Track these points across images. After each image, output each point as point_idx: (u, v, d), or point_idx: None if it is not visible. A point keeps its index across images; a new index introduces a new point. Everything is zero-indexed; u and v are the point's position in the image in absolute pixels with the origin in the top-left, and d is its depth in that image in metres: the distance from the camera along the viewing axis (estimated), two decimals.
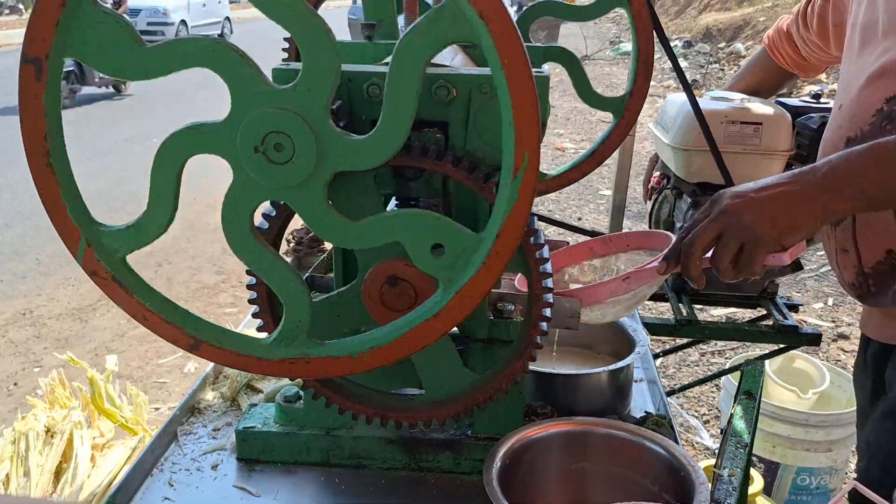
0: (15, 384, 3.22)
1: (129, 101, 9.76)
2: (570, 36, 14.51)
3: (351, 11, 11.86)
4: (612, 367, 1.15)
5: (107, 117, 8.57)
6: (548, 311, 0.96)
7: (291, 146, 0.77)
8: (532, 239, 0.93)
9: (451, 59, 1.12)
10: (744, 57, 11.21)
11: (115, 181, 6.09)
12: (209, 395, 1.29)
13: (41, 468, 1.33)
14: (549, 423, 1.00)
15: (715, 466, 1.14)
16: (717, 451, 2.29)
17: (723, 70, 11.23)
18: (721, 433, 1.32)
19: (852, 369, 1.48)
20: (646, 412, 1.18)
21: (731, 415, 1.29)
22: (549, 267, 0.95)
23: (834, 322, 3.76)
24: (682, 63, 11.30)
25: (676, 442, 1.15)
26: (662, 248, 1.07)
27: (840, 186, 0.97)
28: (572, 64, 1.42)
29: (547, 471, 0.98)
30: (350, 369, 0.85)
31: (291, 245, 1.88)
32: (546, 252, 0.96)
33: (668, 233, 1.11)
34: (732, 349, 3.48)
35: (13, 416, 3.02)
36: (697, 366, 3.39)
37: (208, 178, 5.84)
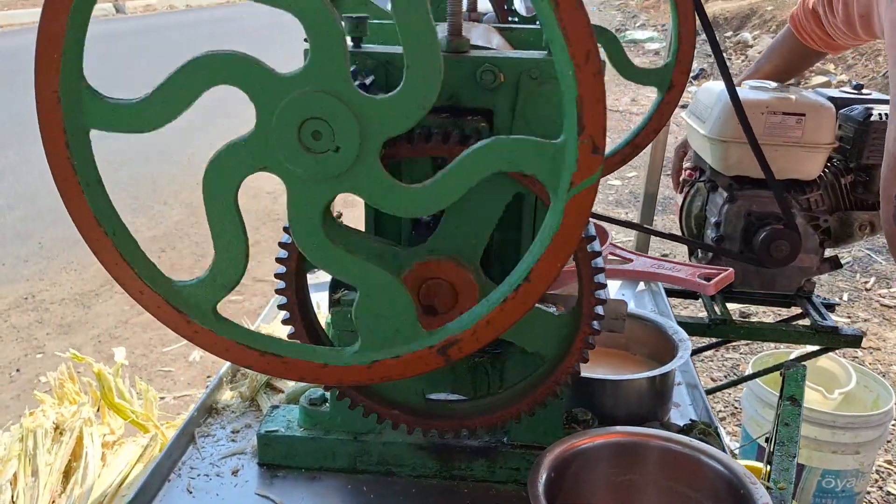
0: (17, 370, 3.16)
1: (133, 85, 9.67)
2: None
3: None
4: (657, 371, 1.08)
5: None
6: (600, 310, 0.89)
7: (329, 127, 0.70)
8: (588, 247, 0.86)
9: (494, 42, 1.05)
10: (751, 46, 11.10)
11: (117, 164, 6.00)
12: (227, 395, 1.23)
13: (50, 467, 1.27)
14: (599, 432, 0.94)
15: (766, 479, 1.08)
16: (738, 450, 2.23)
17: (730, 59, 11.11)
18: (766, 441, 1.26)
19: None
20: (691, 420, 1.11)
21: (776, 425, 1.24)
22: (600, 262, 0.89)
23: (850, 318, 3.70)
24: None
25: (723, 450, 1.09)
26: None
27: None
28: (611, 41, 1.34)
29: (594, 483, 0.92)
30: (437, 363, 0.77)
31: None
32: (597, 245, 0.89)
33: None
34: (746, 345, 3.42)
35: (16, 403, 2.96)
36: (712, 360, 3.33)
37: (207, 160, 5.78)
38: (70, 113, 0.70)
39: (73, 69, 0.69)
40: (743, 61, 10.71)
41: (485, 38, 1.06)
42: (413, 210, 0.75)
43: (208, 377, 3.19)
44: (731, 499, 0.88)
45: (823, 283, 4.10)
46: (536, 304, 0.83)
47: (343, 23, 0.89)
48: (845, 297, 3.94)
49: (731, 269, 0.99)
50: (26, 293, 3.82)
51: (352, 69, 0.84)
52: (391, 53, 0.88)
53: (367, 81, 0.86)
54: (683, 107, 2.01)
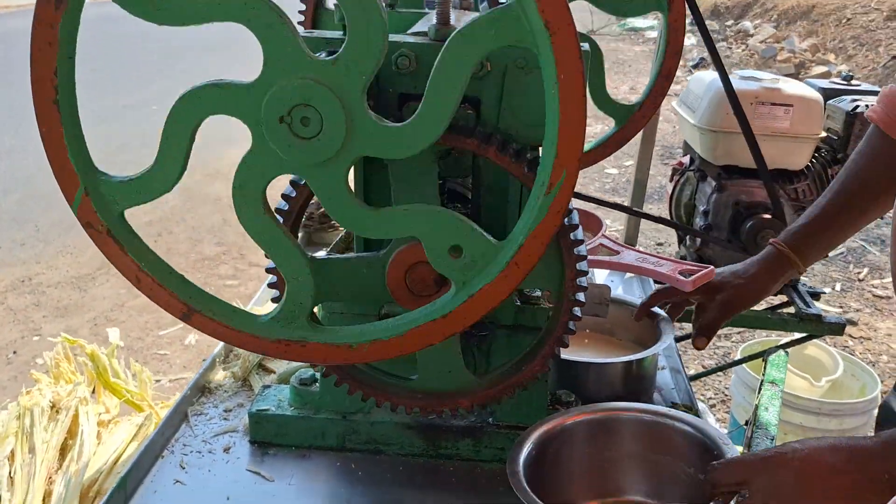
0: (14, 352, 3.18)
1: (128, 68, 9.63)
2: (577, 10, 14.28)
3: None
4: (640, 355, 1.11)
5: (105, 84, 8.45)
6: (581, 297, 0.91)
7: (319, 122, 0.72)
8: (571, 234, 0.89)
9: None
10: (751, 35, 11.08)
11: (115, 149, 6.00)
12: (219, 375, 1.26)
13: (46, 444, 1.29)
14: (574, 411, 0.96)
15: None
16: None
17: (730, 48, 11.10)
18: (746, 424, 1.29)
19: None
20: (672, 403, 1.14)
21: (757, 405, 1.27)
22: (583, 249, 0.91)
23: (842, 308, 3.74)
24: (691, 40, 11.17)
25: None
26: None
27: None
28: (594, 61, 1.35)
29: (574, 461, 0.95)
30: (346, 358, 0.82)
31: (303, 220, 1.83)
32: (580, 234, 0.91)
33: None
34: (738, 333, 3.46)
35: (13, 384, 2.99)
36: (702, 350, 3.36)
37: (209, 147, 5.77)
38: (101, 205, 0.75)
39: (86, 167, 0.75)
40: (743, 51, 10.71)
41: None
42: (355, 229, 0.80)
43: (204, 360, 3.22)
44: (707, 459, 0.89)
45: (817, 273, 4.13)
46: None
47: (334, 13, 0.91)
48: (838, 286, 3.98)
49: (711, 267, 1.02)
50: (23, 276, 3.84)
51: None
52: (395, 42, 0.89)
53: None
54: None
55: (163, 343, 3.31)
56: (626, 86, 8.94)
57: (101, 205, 0.76)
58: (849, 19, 10.23)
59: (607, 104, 1.31)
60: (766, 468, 0.82)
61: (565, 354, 1.11)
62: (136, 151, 5.84)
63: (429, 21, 1.03)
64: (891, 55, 8.92)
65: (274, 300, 0.99)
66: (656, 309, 1.20)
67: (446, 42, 0.69)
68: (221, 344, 1.30)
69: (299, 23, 1.41)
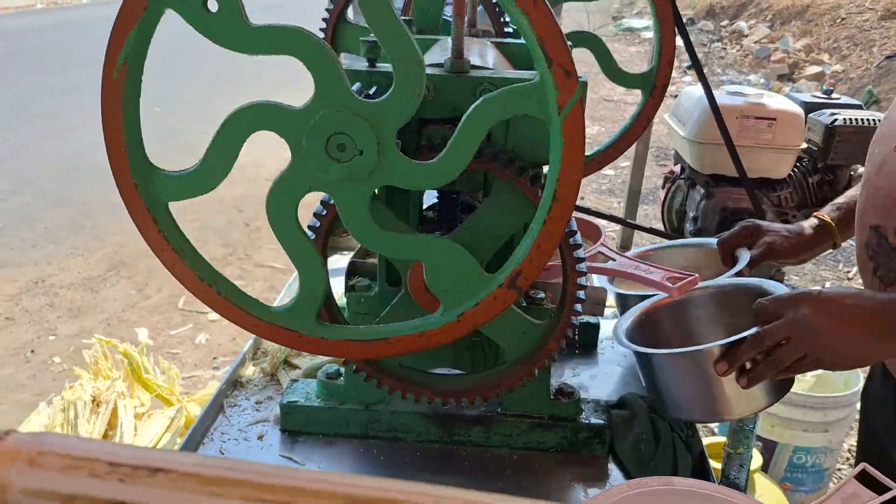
0: (32, 351, 3.29)
1: None
2: (573, 10, 14.43)
3: None
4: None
5: None
6: (581, 294, 1.03)
7: (354, 150, 0.83)
8: (570, 240, 1.00)
9: (489, 56, 1.18)
10: (746, 36, 11.20)
11: None
12: (249, 370, 1.37)
13: (89, 435, 1.40)
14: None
15: (727, 445, 1.23)
16: (717, 428, 2.38)
17: (725, 49, 11.22)
18: None
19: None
20: None
21: None
22: (581, 252, 1.02)
23: None
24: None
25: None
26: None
27: None
28: (599, 48, 1.48)
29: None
30: (381, 352, 0.93)
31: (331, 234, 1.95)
32: (579, 238, 1.03)
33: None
34: None
35: (32, 382, 3.10)
36: None
37: None
38: (148, 195, 0.85)
39: (139, 157, 0.83)
40: (738, 51, 10.83)
41: (483, 53, 1.19)
42: (369, 245, 0.89)
43: (214, 359, 3.33)
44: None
45: (808, 272, 4.26)
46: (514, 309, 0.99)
47: (361, 46, 1.03)
48: (827, 284, 4.10)
49: (696, 275, 1.13)
50: (36, 277, 3.95)
51: (372, 89, 0.97)
52: (385, 72, 1.01)
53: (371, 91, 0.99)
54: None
55: (174, 342, 3.41)
56: (622, 88, 9.04)
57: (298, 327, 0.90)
58: (843, 19, 10.35)
59: (627, 78, 1.44)
60: (794, 303, 0.98)
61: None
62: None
63: (443, 49, 1.15)
64: (885, 55, 9.02)
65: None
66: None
67: (475, 104, 0.81)
68: (251, 342, 1.41)
69: (321, 29, 1.51)
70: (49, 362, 3.19)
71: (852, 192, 1.36)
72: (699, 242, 1.43)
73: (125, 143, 0.83)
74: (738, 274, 1.25)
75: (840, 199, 1.36)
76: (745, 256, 1.29)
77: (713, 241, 1.38)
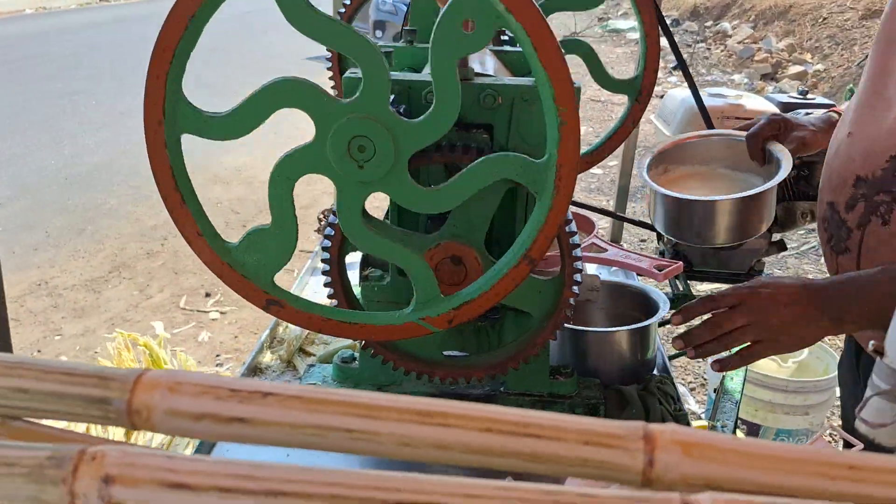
0: (39, 351, 3.37)
1: (124, 74, 9.78)
2: (560, 13, 14.56)
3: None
4: (641, 325, 1.32)
5: (99, 91, 8.60)
6: (575, 287, 1.13)
7: (371, 144, 0.94)
8: (566, 228, 1.11)
9: (490, 64, 1.28)
10: (730, 36, 11.36)
11: (116, 154, 6.18)
12: (267, 358, 1.46)
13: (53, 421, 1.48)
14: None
15: (711, 419, 1.34)
16: (703, 414, 2.50)
17: (709, 49, 11.38)
18: (714, 392, 1.52)
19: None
20: (651, 374, 1.36)
21: (724, 376, 1.49)
22: (577, 239, 1.13)
23: None
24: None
25: (677, 398, 1.34)
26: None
27: (859, 320, 1.04)
28: (588, 53, 1.58)
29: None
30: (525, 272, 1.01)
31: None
32: (574, 226, 1.13)
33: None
34: None
35: None
36: None
37: (210, 153, 5.96)
38: (170, 121, 0.93)
39: (176, 85, 0.90)
40: (722, 51, 11.00)
41: (483, 61, 1.29)
42: (431, 208, 0.99)
43: (217, 356, 3.41)
44: None
45: (790, 266, 4.39)
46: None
47: None
48: (811, 277, 4.23)
49: (679, 263, 1.24)
50: (39, 280, 4.02)
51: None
52: (411, 80, 1.11)
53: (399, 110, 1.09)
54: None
55: (177, 340, 3.50)
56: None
57: (263, 285, 1.00)
58: (825, 19, 10.53)
59: (616, 84, 1.54)
60: (752, 292, 1.09)
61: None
62: (137, 157, 6.01)
63: None
64: (865, 54, 9.17)
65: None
66: (652, 291, 1.42)
67: (483, 160, 0.94)
68: (267, 331, 1.51)
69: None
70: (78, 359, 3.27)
71: None
72: (725, 134, 1.50)
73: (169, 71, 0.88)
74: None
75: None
76: (785, 159, 1.33)
77: (741, 133, 1.44)
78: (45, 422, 0.44)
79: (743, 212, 1.35)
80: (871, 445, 0.56)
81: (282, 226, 0.98)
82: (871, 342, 0.54)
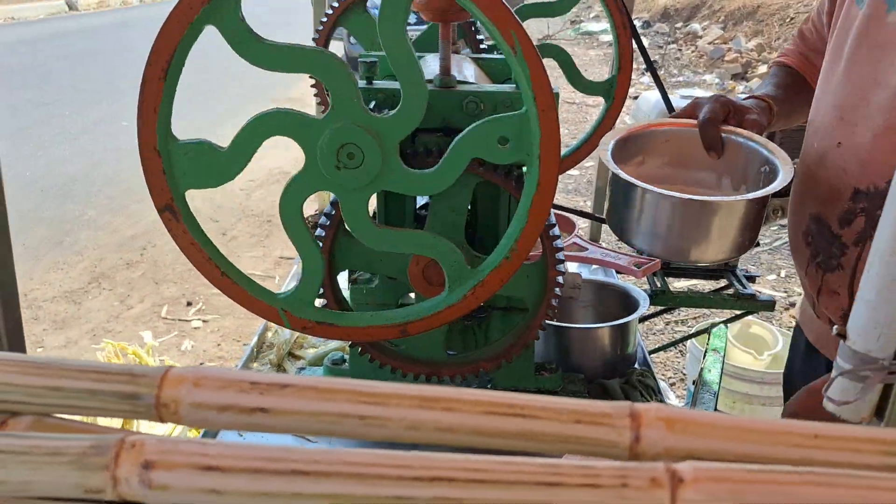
0: None
1: (97, 84, 9.70)
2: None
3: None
4: (621, 321, 1.37)
5: (73, 101, 8.53)
6: (560, 280, 1.18)
7: (361, 159, 0.97)
8: (551, 231, 1.15)
9: (471, 71, 1.32)
10: (700, 37, 11.53)
11: (91, 164, 6.14)
12: (256, 364, 1.49)
13: (110, 424, 1.50)
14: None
15: (689, 405, 1.39)
16: (683, 406, 2.56)
17: (680, 50, 11.54)
18: (693, 384, 1.57)
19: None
20: (632, 367, 1.41)
21: (702, 368, 1.55)
22: (560, 243, 1.17)
23: (786, 292, 4.08)
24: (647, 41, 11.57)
25: (658, 390, 1.39)
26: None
27: None
28: (563, 57, 1.64)
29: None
30: (512, 269, 1.04)
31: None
32: (557, 231, 1.18)
33: None
34: (694, 318, 3.77)
35: None
36: (663, 333, 3.67)
37: None
38: (169, 175, 0.96)
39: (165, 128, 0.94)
40: (693, 52, 11.16)
41: (463, 68, 1.33)
42: (434, 188, 1.02)
43: (201, 364, 3.42)
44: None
45: (763, 262, 4.48)
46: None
47: (360, 66, 1.16)
48: (783, 273, 4.32)
49: (657, 260, 1.28)
50: (19, 292, 3.99)
51: (371, 103, 1.11)
52: (387, 88, 1.15)
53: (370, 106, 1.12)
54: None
55: (160, 350, 3.49)
56: None
57: (302, 312, 1.04)
58: (792, 18, 10.73)
59: (591, 87, 1.58)
60: None
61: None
62: (112, 167, 5.98)
63: (428, 67, 1.29)
64: None
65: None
66: (632, 289, 1.44)
67: (467, 130, 0.97)
68: (256, 336, 1.54)
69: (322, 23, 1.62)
70: None
71: (768, 91, 1.40)
72: (683, 131, 1.27)
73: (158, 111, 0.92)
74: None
75: (766, 91, 1.39)
76: (784, 170, 1.14)
77: (683, 124, 1.28)
78: (69, 417, 0.47)
79: (753, 217, 1.15)
80: (837, 422, 0.61)
81: (305, 251, 1.02)
82: (835, 326, 0.58)
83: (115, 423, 1.50)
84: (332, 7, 1.56)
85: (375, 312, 1.07)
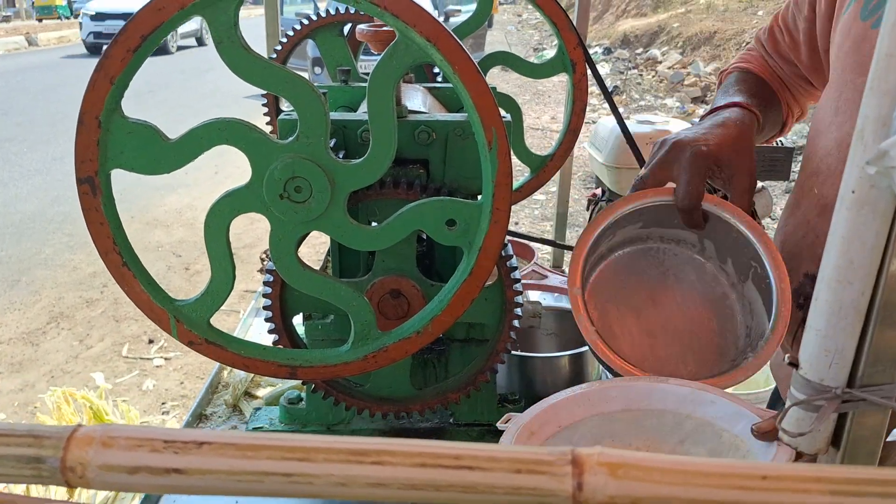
0: None
1: (55, 120, 9.56)
2: (496, 44, 14.89)
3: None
4: (580, 349, 1.35)
5: (31, 137, 8.39)
6: (518, 311, 1.15)
7: (308, 185, 0.94)
8: (503, 252, 1.13)
9: (423, 101, 1.31)
10: (660, 62, 11.77)
11: (49, 201, 6.02)
12: (211, 405, 1.44)
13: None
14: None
15: None
16: None
17: (641, 75, 11.75)
18: None
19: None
20: None
21: None
22: (517, 274, 1.15)
23: None
24: (604, 69, 11.78)
25: None
26: None
27: None
28: (511, 61, 1.62)
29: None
30: (421, 343, 1.00)
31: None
32: (515, 262, 1.16)
33: None
34: None
35: None
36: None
37: (147, 196, 5.85)
38: (191, 324, 0.94)
39: (165, 301, 0.94)
40: (653, 77, 11.37)
41: (416, 98, 1.32)
42: (370, 246, 1.00)
43: (163, 404, 3.33)
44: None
45: None
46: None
47: None
48: None
49: None
50: None
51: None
52: (347, 120, 1.13)
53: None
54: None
55: (121, 390, 3.39)
56: (547, 115, 9.38)
57: (191, 324, 0.96)
58: (748, 43, 10.99)
59: (525, 156, 1.57)
60: None
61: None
62: (71, 204, 5.86)
63: None
64: None
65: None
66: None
67: (412, 206, 0.95)
68: (212, 376, 1.49)
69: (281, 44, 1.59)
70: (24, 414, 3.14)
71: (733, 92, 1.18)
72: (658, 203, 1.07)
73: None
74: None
75: (743, 99, 1.13)
76: (771, 326, 0.98)
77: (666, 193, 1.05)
78: None
79: None
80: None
81: (219, 266, 0.98)
82: (787, 355, 0.56)
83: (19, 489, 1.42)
84: (281, 43, 1.55)
85: (269, 347, 1.03)
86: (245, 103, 9.19)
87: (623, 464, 0.40)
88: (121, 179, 0.93)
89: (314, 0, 9.81)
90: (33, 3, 24.46)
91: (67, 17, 23.85)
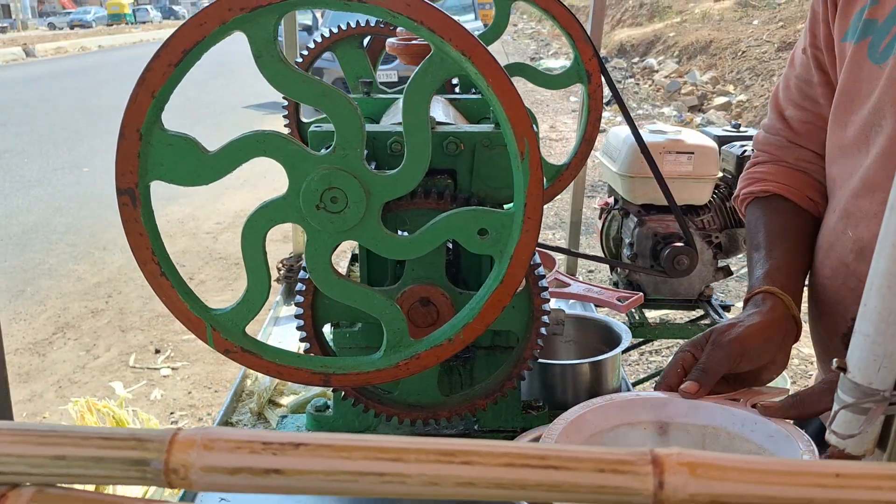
0: None
1: (55, 130, 9.57)
2: (495, 53, 14.92)
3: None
4: (605, 356, 1.37)
5: (31, 148, 8.39)
6: (546, 319, 1.18)
7: (344, 195, 0.97)
8: (536, 271, 1.15)
9: (446, 112, 1.33)
10: (657, 71, 11.84)
11: (51, 212, 6.03)
12: (237, 412, 1.45)
13: (83, 488, 1.44)
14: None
15: None
16: None
17: (638, 84, 11.81)
18: None
19: None
20: None
21: None
22: (545, 282, 1.17)
23: None
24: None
25: None
26: None
27: None
28: (527, 72, 1.65)
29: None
30: (452, 350, 1.01)
31: (282, 272, 2.06)
32: (542, 270, 1.18)
33: None
34: (668, 347, 3.80)
35: None
36: (638, 364, 3.69)
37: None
38: (227, 332, 0.95)
39: (202, 310, 0.95)
40: (650, 86, 11.44)
41: (439, 109, 1.34)
42: (403, 254, 1.02)
43: (171, 413, 3.33)
44: None
45: (731, 290, 4.54)
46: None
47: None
48: None
49: (640, 294, 1.29)
50: None
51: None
52: (377, 131, 1.15)
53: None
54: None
55: (130, 400, 3.39)
56: (546, 125, 9.43)
57: (228, 333, 0.98)
58: (744, 52, 11.08)
59: (562, 79, 1.59)
60: None
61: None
62: (73, 214, 5.88)
63: (398, 108, 1.29)
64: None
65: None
66: (614, 323, 1.43)
67: (443, 217, 1.00)
68: (235, 384, 1.50)
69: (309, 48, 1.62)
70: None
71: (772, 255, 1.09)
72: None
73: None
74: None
75: (768, 266, 1.06)
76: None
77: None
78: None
79: None
80: (841, 455, 0.61)
81: (256, 276, 0.99)
82: (835, 360, 0.59)
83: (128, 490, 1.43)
84: (322, 36, 1.58)
85: (303, 355, 1.05)
86: (244, 113, 9.21)
87: (702, 463, 0.42)
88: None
89: (313, 11, 9.85)
90: (106, 9, 24.81)
91: (132, 24, 24.33)
